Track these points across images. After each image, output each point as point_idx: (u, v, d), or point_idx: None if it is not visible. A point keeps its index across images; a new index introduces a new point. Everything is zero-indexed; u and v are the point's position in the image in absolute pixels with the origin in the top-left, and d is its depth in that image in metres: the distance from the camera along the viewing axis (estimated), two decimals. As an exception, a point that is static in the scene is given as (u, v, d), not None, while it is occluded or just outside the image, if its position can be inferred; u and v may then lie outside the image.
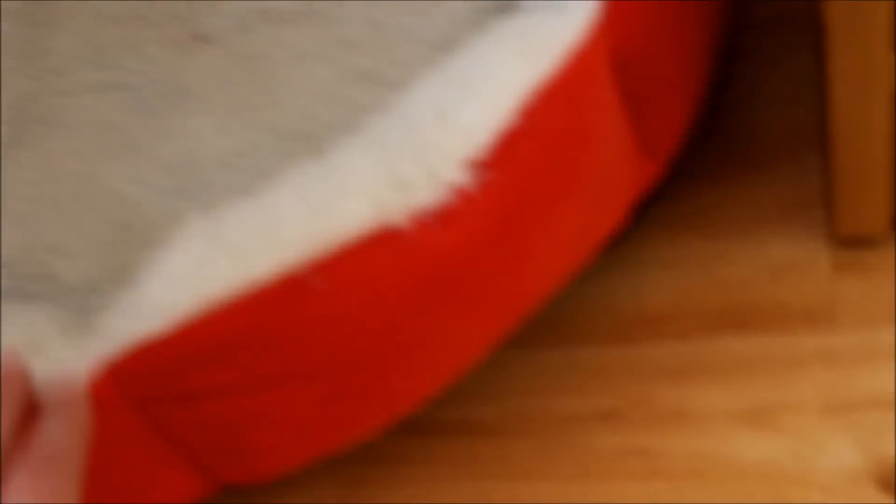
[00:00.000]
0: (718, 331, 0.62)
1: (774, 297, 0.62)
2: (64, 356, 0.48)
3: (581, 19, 0.48)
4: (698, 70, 0.59)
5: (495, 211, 0.47)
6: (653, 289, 0.64)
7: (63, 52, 0.63)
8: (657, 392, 0.61)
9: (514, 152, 0.47)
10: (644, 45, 0.52)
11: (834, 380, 0.59)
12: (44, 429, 0.44)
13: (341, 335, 0.46)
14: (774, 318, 0.61)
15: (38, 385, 0.44)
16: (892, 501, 0.55)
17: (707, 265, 0.64)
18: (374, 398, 0.50)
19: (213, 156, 0.57)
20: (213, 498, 0.57)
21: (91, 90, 0.62)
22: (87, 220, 0.56)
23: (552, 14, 0.49)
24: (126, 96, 0.61)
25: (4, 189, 0.59)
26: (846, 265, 0.62)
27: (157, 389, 0.48)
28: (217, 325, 0.45)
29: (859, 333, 0.60)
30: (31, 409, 0.44)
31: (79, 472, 0.44)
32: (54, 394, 0.45)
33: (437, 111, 0.47)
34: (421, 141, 0.47)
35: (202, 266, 0.46)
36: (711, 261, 0.64)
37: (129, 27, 0.63)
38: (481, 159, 0.46)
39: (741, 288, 0.63)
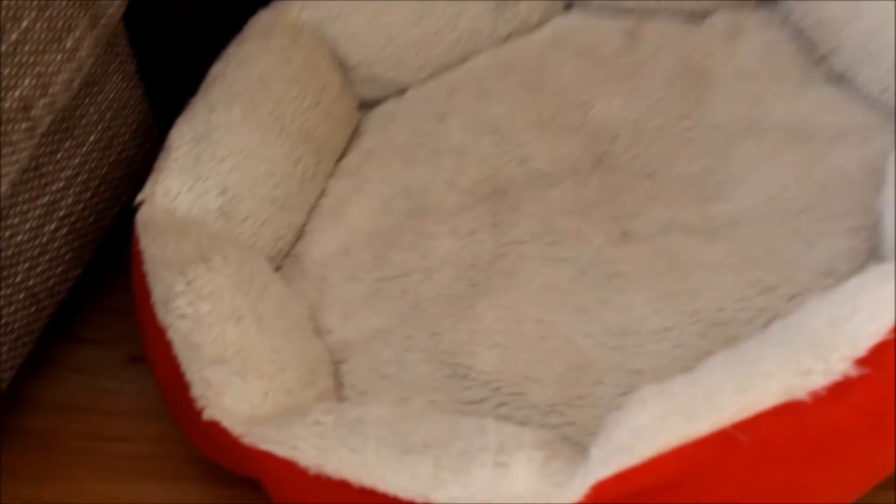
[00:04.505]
0: None
1: None
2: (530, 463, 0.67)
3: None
4: None
5: (868, 396, 0.66)
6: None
7: (524, 228, 0.87)
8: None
9: (884, 358, 0.66)
10: None
11: None
12: None
13: (755, 477, 0.65)
14: None
15: None
16: None
17: None
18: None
19: (647, 328, 0.78)
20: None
21: (544, 259, 0.84)
22: (547, 357, 0.78)
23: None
24: (571, 268, 0.83)
25: (481, 317, 0.81)
26: None
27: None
28: (668, 463, 0.64)
29: None
30: None
31: None
32: None
33: (831, 320, 0.68)
34: (818, 342, 0.67)
35: (660, 420, 0.65)
36: None
37: (573, 218, 0.86)
38: (861, 357, 0.66)
39: None
